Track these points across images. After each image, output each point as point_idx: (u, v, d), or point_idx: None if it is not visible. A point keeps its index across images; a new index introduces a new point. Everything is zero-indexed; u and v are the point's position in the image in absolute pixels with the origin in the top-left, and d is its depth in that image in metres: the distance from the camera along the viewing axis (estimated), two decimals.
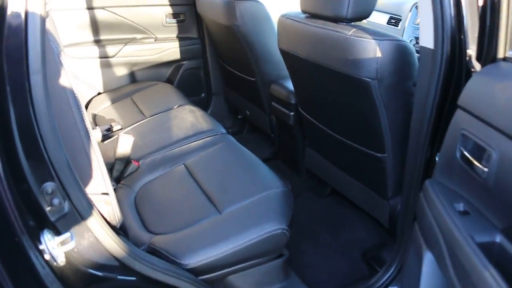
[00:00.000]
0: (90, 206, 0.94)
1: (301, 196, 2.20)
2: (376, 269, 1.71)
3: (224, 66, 2.64)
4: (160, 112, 2.15)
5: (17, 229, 0.81)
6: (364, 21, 1.53)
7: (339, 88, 1.50)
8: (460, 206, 1.03)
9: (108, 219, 1.03)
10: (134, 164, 1.70)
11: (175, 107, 2.20)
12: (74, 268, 0.95)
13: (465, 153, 1.01)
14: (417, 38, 2.38)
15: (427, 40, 1.17)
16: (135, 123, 2.08)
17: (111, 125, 2.04)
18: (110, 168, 1.69)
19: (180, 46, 2.69)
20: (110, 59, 2.53)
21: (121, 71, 2.62)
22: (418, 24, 2.39)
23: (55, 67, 1.00)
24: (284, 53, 1.71)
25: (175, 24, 2.65)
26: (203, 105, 2.83)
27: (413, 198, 1.40)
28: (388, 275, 1.54)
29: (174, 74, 2.74)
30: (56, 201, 0.85)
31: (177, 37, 2.69)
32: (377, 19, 2.64)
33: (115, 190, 1.61)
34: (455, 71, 1.17)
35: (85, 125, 1.03)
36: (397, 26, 2.52)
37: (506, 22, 1.00)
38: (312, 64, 1.52)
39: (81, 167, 0.99)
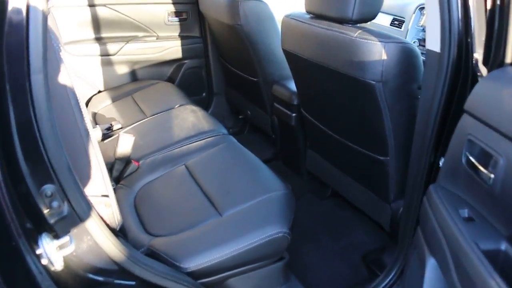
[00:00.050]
0: (89, 208, 0.92)
1: (302, 198, 2.19)
2: (376, 273, 1.70)
3: (226, 66, 2.62)
4: (161, 112, 2.14)
5: (14, 232, 0.79)
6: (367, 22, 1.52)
7: (343, 90, 1.49)
8: (465, 212, 1.02)
9: (108, 222, 1.02)
10: (134, 164, 1.69)
11: (176, 106, 2.18)
12: (73, 273, 0.93)
13: (471, 158, 0.99)
14: (420, 40, 2.37)
15: (434, 43, 1.15)
16: (136, 122, 2.06)
17: (111, 124, 2.03)
18: (110, 168, 1.68)
19: (182, 45, 2.67)
20: (111, 57, 2.52)
21: (122, 70, 2.60)
22: (421, 26, 2.38)
23: (56, 65, 0.98)
24: (287, 53, 1.69)
25: (177, 23, 2.64)
26: (204, 104, 2.82)
27: (415, 202, 1.39)
28: (388, 279, 1.53)
29: (175, 73, 2.73)
30: (55, 203, 0.83)
31: (179, 35, 2.67)
32: (381, 20, 2.63)
33: (114, 190, 1.59)
34: (461, 75, 1.15)
35: (85, 125, 1.02)
36: (401, 28, 2.51)
37: None
38: (316, 65, 1.50)
39: (81, 168, 0.97)
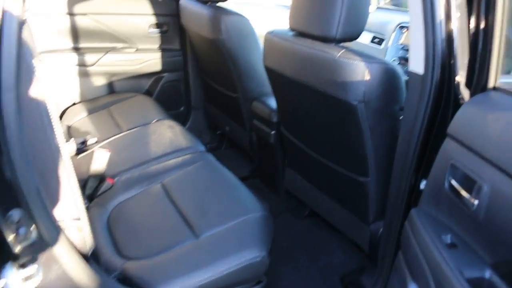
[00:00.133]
0: (59, 234, 0.87)
1: (279, 217, 2.16)
2: None
3: (205, 80, 2.59)
4: (138, 126, 2.09)
5: None
6: None
7: (324, 109, 1.47)
8: (448, 238, 1.00)
9: (79, 247, 0.96)
10: (108, 182, 1.63)
11: (154, 121, 2.14)
12: None
13: (454, 183, 0.98)
14: (400, 58, 2.38)
15: (417, 65, 1.14)
16: (112, 137, 2.01)
17: (86, 138, 1.97)
18: (83, 184, 1.62)
19: (162, 58, 2.64)
20: (88, 67, 2.46)
21: (99, 81, 2.54)
22: (401, 44, 2.40)
23: (28, 81, 0.93)
24: (269, 70, 1.67)
25: (158, 35, 2.60)
26: (181, 119, 2.78)
27: (395, 224, 1.37)
28: None
29: (153, 86, 2.68)
30: (22, 230, 0.78)
31: (159, 48, 2.63)
32: (361, 37, 2.59)
33: (87, 208, 1.53)
34: (443, 97, 1.15)
35: (57, 143, 0.96)
36: (380, 46, 2.52)
37: (498, 50, 0.98)
38: (298, 83, 1.48)
39: (51, 190, 0.92)
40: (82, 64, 2.43)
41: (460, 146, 0.97)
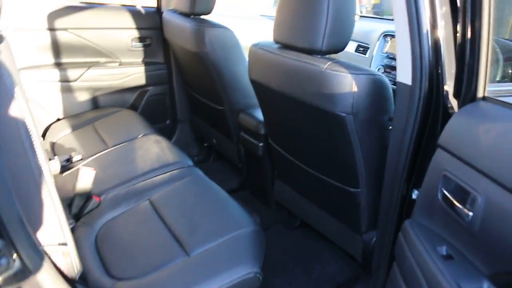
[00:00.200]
0: (43, 261, 0.84)
1: (270, 229, 2.14)
2: None
3: (191, 93, 2.56)
4: (124, 142, 2.05)
5: None
6: None
7: (312, 122, 1.46)
8: (443, 250, 0.99)
9: (66, 272, 0.93)
10: (95, 200, 1.59)
11: (140, 136, 2.10)
12: None
13: (448, 194, 0.97)
14: (385, 66, 2.39)
15: (405, 76, 1.14)
16: (97, 153, 1.97)
17: (71, 155, 1.92)
18: (69, 203, 1.58)
19: (146, 71, 2.61)
20: (71, 83, 2.42)
21: (83, 96, 2.50)
22: (386, 53, 2.40)
23: (7, 104, 0.90)
24: (255, 83, 1.65)
25: (141, 48, 2.57)
26: (168, 132, 2.75)
27: (389, 234, 1.36)
28: None
29: (138, 100, 2.65)
30: (4, 261, 0.75)
31: (142, 61, 2.61)
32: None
33: (74, 228, 1.50)
34: (432, 106, 1.14)
35: (39, 167, 0.93)
36: (365, 54, 2.53)
37: (486, 60, 0.98)
38: (285, 96, 1.47)
39: (34, 215, 0.88)
40: (65, 80, 2.39)
41: (451, 157, 0.97)
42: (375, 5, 3.47)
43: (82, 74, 2.42)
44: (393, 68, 2.31)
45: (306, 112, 1.42)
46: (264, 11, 3.50)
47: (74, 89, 2.44)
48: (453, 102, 1.11)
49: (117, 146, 2.02)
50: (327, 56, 1.35)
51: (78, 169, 1.63)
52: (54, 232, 0.92)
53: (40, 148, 0.94)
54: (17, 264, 0.77)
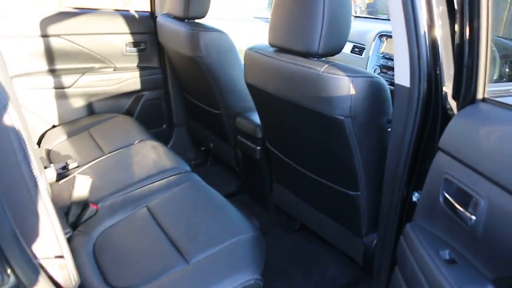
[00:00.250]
0: (39, 275, 0.82)
1: (269, 233, 2.12)
2: None
3: (186, 97, 2.55)
4: (120, 148, 2.03)
5: None
6: None
7: (309, 125, 1.44)
8: (446, 254, 0.98)
9: (63, 285, 0.91)
10: (92, 208, 1.57)
11: (136, 142, 2.09)
12: None
13: (449, 198, 0.96)
14: (381, 67, 2.38)
15: (403, 78, 1.13)
16: (93, 160, 1.95)
17: (67, 163, 1.91)
18: (66, 212, 1.56)
19: (141, 76, 2.59)
20: (66, 89, 2.40)
21: (78, 103, 2.49)
22: (382, 53, 2.40)
23: None
24: (251, 87, 1.64)
25: (136, 53, 2.56)
26: (164, 137, 2.73)
27: (389, 237, 1.35)
28: None
29: (134, 105, 2.63)
30: None
31: (137, 66, 2.59)
32: None
33: (71, 237, 1.48)
34: (431, 108, 1.13)
35: (34, 179, 0.91)
36: (361, 55, 2.52)
37: (485, 60, 0.97)
38: (281, 100, 1.45)
39: (29, 228, 0.87)
40: (59, 86, 2.37)
41: (452, 160, 0.95)
42: (369, 5, 3.46)
43: (77, 80, 2.40)
44: (390, 68, 2.30)
45: (304, 115, 1.41)
46: (258, 13, 3.48)
47: (69, 96, 2.42)
48: (452, 104, 1.09)
49: (113, 153, 2.00)
50: (323, 58, 1.34)
51: (74, 177, 1.61)
52: (50, 245, 0.90)
53: (35, 159, 0.92)
54: (11, 280, 0.76)
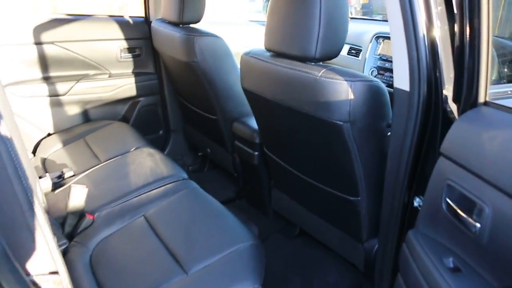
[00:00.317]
0: None
1: (269, 238, 2.10)
2: None
3: (183, 103, 2.52)
4: (116, 156, 2.00)
5: None
6: None
7: (308, 130, 1.42)
8: (450, 262, 0.96)
9: None
10: (88, 218, 1.54)
11: (132, 149, 2.06)
12: None
13: (452, 204, 0.94)
14: (378, 68, 2.36)
15: (403, 82, 1.11)
16: (89, 169, 1.92)
17: (62, 172, 1.88)
18: (62, 222, 1.53)
19: (136, 82, 2.57)
20: (60, 97, 2.37)
21: (73, 110, 2.46)
22: (378, 55, 2.38)
23: None
24: (248, 92, 1.62)
25: (131, 59, 2.53)
26: (161, 142, 2.71)
27: (391, 243, 1.33)
28: None
29: (130, 111, 2.61)
30: None
31: (132, 72, 2.56)
32: None
33: (67, 248, 1.45)
34: (432, 111, 1.11)
35: (26, 192, 0.88)
36: (358, 57, 2.50)
37: (486, 62, 0.95)
38: (279, 105, 1.43)
39: (22, 246, 0.84)
40: (54, 94, 2.34)
41: (455, 166, 0.93)
42: (364, 5, 3.46)
43: (72, 87, 2.38)
44: (387, 70, 2.29)
45: (302, 120, 1.39)
46: (253, 16, 3.47)
47: (64, 103, 2.39)
48: (453, 107, 1.07)
49: (109, 161, 1.98)
50: (321, 63, 1.31)
51: (70, 187, 1.58)
52: (44, 261, 0.87)
53: (29, 169, 0.89)
54: None
